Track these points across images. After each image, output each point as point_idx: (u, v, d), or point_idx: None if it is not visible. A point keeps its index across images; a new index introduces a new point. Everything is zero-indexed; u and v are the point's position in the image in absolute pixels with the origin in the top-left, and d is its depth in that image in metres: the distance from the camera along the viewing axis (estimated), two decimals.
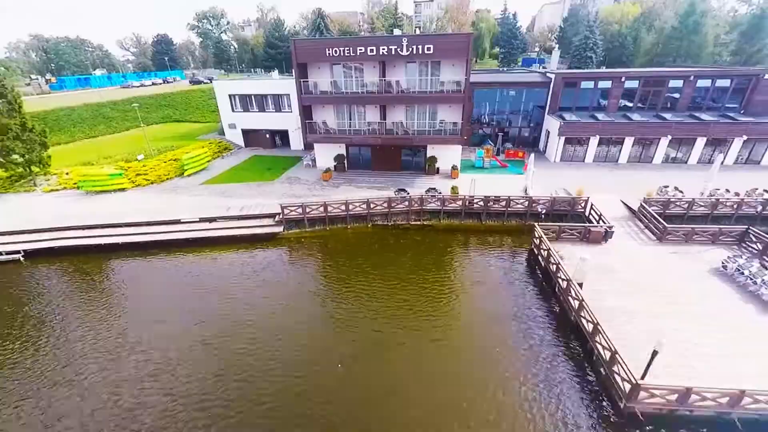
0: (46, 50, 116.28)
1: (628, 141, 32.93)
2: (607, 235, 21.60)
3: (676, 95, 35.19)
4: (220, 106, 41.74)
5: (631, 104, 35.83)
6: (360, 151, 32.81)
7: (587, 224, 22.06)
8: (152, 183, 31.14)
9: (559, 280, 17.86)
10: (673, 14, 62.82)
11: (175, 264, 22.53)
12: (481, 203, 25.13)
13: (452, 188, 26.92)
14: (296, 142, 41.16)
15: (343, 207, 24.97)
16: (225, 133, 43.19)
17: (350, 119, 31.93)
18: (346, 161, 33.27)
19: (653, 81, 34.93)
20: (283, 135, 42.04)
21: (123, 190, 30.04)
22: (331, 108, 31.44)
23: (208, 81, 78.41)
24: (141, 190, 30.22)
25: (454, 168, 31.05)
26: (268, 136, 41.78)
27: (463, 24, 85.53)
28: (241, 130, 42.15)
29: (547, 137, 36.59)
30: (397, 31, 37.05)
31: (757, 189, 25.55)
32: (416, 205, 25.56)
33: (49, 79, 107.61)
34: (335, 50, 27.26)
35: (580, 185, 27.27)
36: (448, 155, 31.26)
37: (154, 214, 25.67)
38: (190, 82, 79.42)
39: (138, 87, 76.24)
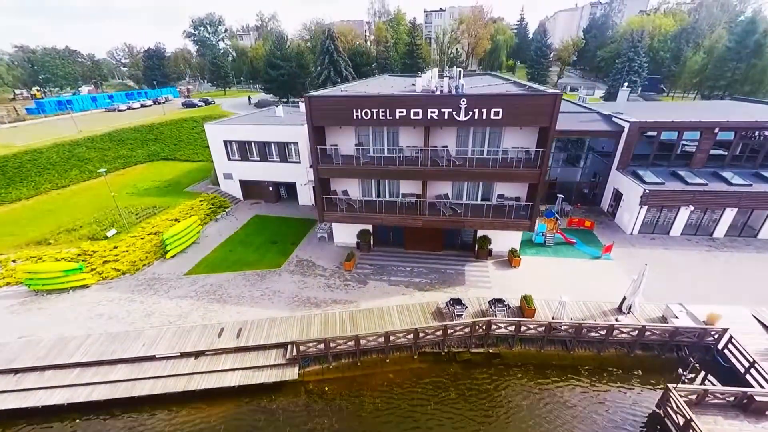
0: (32, 62, 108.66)
1: (730, 212, 25.88)
2: None
3: None
4: (214, 153, 34.85)
5: (716, 151, 28.58)
6: (391, 226, 25.64)
7: (747, 389, 14.98)
8: (124, 273, 23.92)
9: None
10: (725, 32, 55.63)
11: None
12: (572, 331, 18.06)
13: (524, 298, 19.81)
14: (305, 196, 34.12)
15: (381, 339, 17.81)
16: (220, 183, 36.01)
17: (380, 190, 24.80)
18: (372, 238, 26.12)
19: (756, 133, 27.81)
20: (290, 186, 34.94)
21: (85, 286, 22.84)
22: (356, 178, 24.30)
23: (203, 104, 71.14)
24: (107, 287, 23.02)
25: (513, 253, 23.96)
26: (271, 188, 34.67)
27: (481, 38, 78.33)
28: (239, 181, 35.02)
29: (616, 198, 29.55)
30: (427, 76, 29.70)
31: None
32: (480, 329, 18.47)
33: (34, 94, 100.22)
34: (365, 112, 20.13)
35: (692, 290, 20.31)
36: (504, 234, 24.15)
37: (112, 344, 18.54)
38: (183, 105, 72.17)
39: (125, 111, 68.80)
